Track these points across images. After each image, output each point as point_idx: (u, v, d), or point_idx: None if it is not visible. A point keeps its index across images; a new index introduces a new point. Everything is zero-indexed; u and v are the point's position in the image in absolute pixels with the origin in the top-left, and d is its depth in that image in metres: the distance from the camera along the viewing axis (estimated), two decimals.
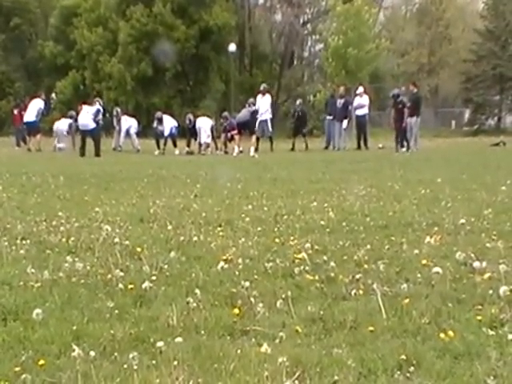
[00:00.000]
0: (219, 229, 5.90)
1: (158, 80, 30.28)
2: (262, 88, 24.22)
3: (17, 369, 2.65)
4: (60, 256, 4.74)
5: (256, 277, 4.11)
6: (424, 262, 4.39)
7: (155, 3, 44.31)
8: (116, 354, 2.84)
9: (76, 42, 46.72)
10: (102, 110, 21.90)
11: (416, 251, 4.77)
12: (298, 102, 27.63)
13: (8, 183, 10.03)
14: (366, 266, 4.38)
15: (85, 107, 21.50)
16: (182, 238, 5.38)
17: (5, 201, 7.87)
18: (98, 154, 20.09)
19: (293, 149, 24.83)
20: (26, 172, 11.99)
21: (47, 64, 49.14)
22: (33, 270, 4.21)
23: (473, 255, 4.52)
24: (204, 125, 23.30)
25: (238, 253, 4.73)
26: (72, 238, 5.34)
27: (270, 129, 23.82)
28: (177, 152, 23.22)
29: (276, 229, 5.87)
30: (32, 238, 5.46)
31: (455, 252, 4.58)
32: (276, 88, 51.22)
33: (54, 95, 48.20)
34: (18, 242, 5.27)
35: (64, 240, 5.31)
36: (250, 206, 7.27)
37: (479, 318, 3.29)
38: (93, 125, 20.53)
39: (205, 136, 23.13)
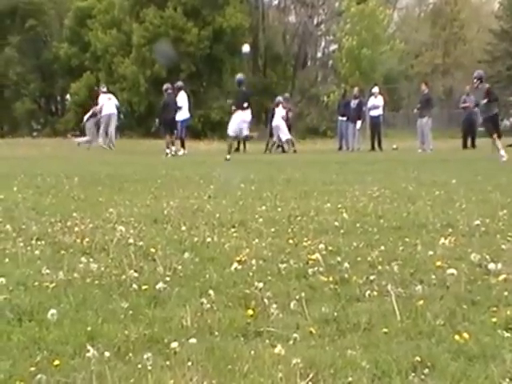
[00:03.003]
0: (233, 230, 5.90)
1: (171, 81, 30.44)
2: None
3: (32, 369, 2.66)
4: (74, 257, 4.76)
5: (270, 278, 4.11)
6: (438, 263, 4.37)
7: (167, 5, 44.46)
8: (130, 354, 2.84)
9: (90, 43, 46.96)
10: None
11: (430, 252, 4.75)
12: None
13: (23, 184, 10.08)
14: (379, 267, 4.36)
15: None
16: (195, 239, 5.39)
17: (20, 201, 7.91)
18: None
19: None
20: (41, 173, 12.04)
21: (62, 65, 49.41)
22: (48, 271, 4.23)
23: (488, 257, 4.49)
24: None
25: (251, 254, 4.73)
26: (86, 239, 5.36)
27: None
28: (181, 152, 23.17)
29: (290, 230, 5.86)
30: (47, 238, 5.49)
31: (470, 253, 4.56)
32: (290, 89, 51.25)
33: (68, 96, 48.44)
34: (33, 242, 5.30)
35: (78, 241, 5.33)
36: (263, 207, 7.27)
37: (494, 319, 3.27)
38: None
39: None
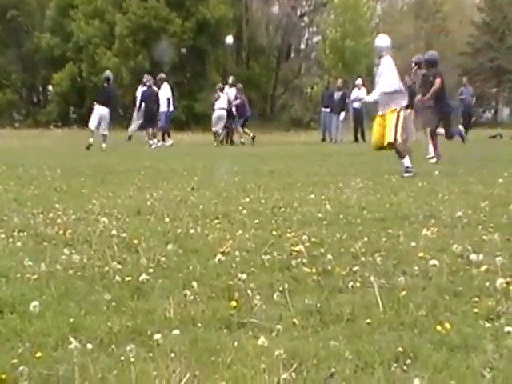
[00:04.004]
0: (216, 221, 5.90)
1: (154, 73, 30.35)
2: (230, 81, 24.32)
3: (14, 361, 2.65)
4: (57, 248, 4.74)
5: (253, 269, 4.11)
6: (421, 254, 4.39)
7: None
8: (113, 346, 2.84)
9: (73, 33, 46.55)
10: None
11: (413, 244, 4.77)
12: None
13: (5, 175, 10.02)
14: (363, 258, 4.38)
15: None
16: (179, 231, 5.39)
17: (1, 193, 7.87)
18: None
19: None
20: (22, 164, 11.96)
21: (44, 56, 48.99)
22: (30, 263, 4.20)
23: (470, 248, 4.51)
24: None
25: (235, 245, 4.73)
26: (69, 231, 5.34)
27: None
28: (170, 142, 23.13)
29: (273, 221, 5.87)
30: (29, 230, 5.47)
31: (452, 245, 4.58)
32: (273, 80, 51.21)
33: (50, 87, 48.11)
34: (15, 234, 5.27)
35: (61, 232, 5.31)
36: (247, 199, 7.27)
37: (476, 310, 3.29)
38: None
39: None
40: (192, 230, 5.39)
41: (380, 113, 10.54)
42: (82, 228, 5.49)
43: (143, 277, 3.84)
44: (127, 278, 3.86)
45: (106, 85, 20.94)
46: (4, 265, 4.23)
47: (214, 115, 23.73)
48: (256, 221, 5.87)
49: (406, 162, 10.34)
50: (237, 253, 4.50)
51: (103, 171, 11.02)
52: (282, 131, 34.78)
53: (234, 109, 23.92)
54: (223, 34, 41.81)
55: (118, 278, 3.88)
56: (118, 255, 4.46)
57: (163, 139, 23.60)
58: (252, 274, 4.00)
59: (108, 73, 21.62)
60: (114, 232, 5.23)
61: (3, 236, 5.20)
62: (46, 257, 4.40)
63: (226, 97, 23.89)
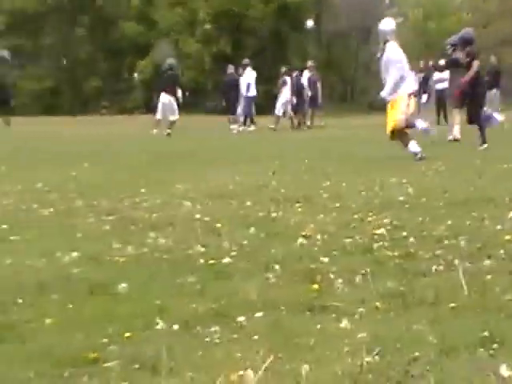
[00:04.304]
0: (297, 205, 5.89)
1: (236, 58, 30.52)
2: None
3: (104, 340, 2.72)
4: (143, 232, 4.83)
5: (335, 253, 4.09)
6: (507, 237, 4.29)
7: None
8: (198, 327, 2.87)
9: (156, 21, 47.23)
10: None
11: (499, 227, 4.66)
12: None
13: (92, 162, 10.25)
14: (446, 241, 4.30)
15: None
16: (260, 214, 5.40)
17: (90, 179, 8.06)
18: None
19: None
20: (108, 151, 12.21)
21: (129, 44, 49.89)
22: (118, 246, 4.31)
23: None
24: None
25: (316, 229, 4.72)
26: (154, 214, 5.43)
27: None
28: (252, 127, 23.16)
29: (354, 205, 5.82)
30: (116, 213, 5.58)
31: None
32: (354, 64, 50.71)
33: (136, 74, 48.90)
34: (104, 217, 5.40)
35: (147, 216, 5.41)
36: (327, 183, 7.23)
37: None
38: None
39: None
40: (273, 214, 5.40)
41: (389, 99, 10.22)
42: (167, 212, 5.57)
43: (226, 260, 3.88)
44: (211, 261, 3.90)
45: (170, 72, 20.89)
46: (94, 248, 4.33)
47: (282, 100, 23.59)
48: (337, 204, 5.84)
49: (413, 147, 9.90)
50: (318, 236, 4.49)
51: (187, 156, 11.15)
52: (363, 114, 34.36)
53: (307, 93, 23.75)
54: (304, 18, 41.69)
55: (201, 260, 3.93)
56: (202, 238, 4.51)
57: (244, 124, 23.69)
58: (334, 257, 3.98)
59: (171, 60, 21.61)
60: (197, 216, 5.29)
61: (93, 220, 5.33)
62: (132, 240, 4.49)
63: (290, 82, 23.73)
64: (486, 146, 11.68)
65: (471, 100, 12.47)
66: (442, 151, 11.34)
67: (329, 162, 9.59)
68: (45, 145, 15.25)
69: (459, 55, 13.18)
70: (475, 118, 12.15)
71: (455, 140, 13.29)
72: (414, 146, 9.90)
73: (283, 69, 24.97)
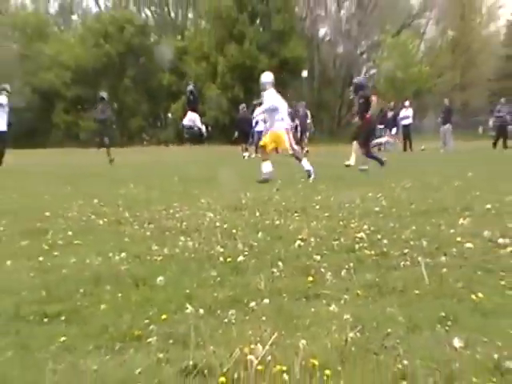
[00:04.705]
0: (296, 214, 5.88)
1: (247, 101, 30.82)
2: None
3: (146, 322, 2.73)
4: (175, 236, 4.83)
5: (325, 252, 4.08)
6: (458, 239, 4.27)
7: (244, 42, 44.69)
8: (219, 311, 2.87)
9: (186, 73, 47.54)
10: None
11: (452, 231, 4.64)
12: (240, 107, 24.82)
13: (137, 182, 10.29)
14: (411, 242, 4.28)
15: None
16: (267, 222, 5.40)
17: (135, 195, 8.08)
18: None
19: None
20: (149, 174, 12.25)
21: (164, 91, 50.25)
22: (156, 247, 4.31)
23: (498, 233, 4.36)
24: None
25: (310, 233, 4.71)
26: (184, 223, 5.43)
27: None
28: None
29: (340, 214, 5.81)
30: (155, 222, 5.59)
31: (483, 231, 4.43)
32: (339, 104, 50.82)
33: (169, 114, 49.16)
34: (145, 225, 5.41)
35: (178, 224, 5.41)
36: (319, 197, 7.22)
37: (503, 283, 3.19)
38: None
39: None
40: (277, 222, 5.40)
41: (271, 129, 10.56)
42: (194, 220, 5.57)
43: (240, 258, 3.88)
44: (228, 259, 3.90)
45: (191, 97, 20.75)
46: (138, 249, 4.34)
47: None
48: (326, 214, 5.83)
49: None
50: (312, 239, 4.48)
51: (208, 178, 11.15)
52: (346, 144, 34.35)
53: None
54: (300, 69, 41.84)
55: (221, 258, 3.93)
56: (221, 241, 4.51)
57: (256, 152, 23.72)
58: (324, 255, 3.97)
59: (190, 87, 21.35)
60: (217, 224, 5.28)
61: (136, 227, 5.33)
62: (167, 243, 4.50)
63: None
64: (384, 163, 11.74)
65: (365, 132, 12.17)
66: (407, 172, 11.31)
67: (320, 182, 9.58)
68: (99, 170, 15.31)
69: (356, 99, 13.39)
70: (362, 146, 12.06)
71: (348, 166, 13.05)
72: (267, 167, 10.30)
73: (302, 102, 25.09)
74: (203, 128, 20.47)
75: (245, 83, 44.68)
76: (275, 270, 3.56)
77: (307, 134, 23.98)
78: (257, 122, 23.57)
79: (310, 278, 3.39)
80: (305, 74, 38.48)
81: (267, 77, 10.96)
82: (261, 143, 10.53)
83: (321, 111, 40.71)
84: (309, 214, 5.96)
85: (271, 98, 10.60)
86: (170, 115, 49.64)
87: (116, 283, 3.41)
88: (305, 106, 24.60)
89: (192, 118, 20.39)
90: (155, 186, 9.64)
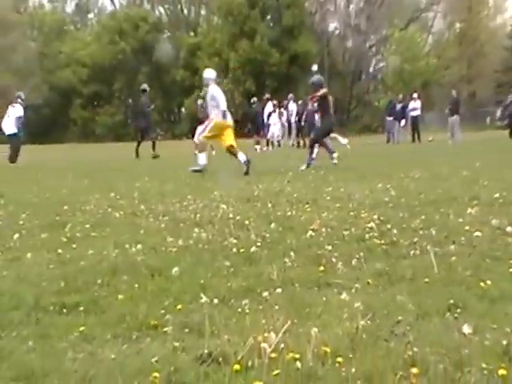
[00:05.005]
0: (307, 206, 5.87)
1: (258, 95, 30.71)
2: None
3: (162, 311, 2.73)
4: (189, 228, 4.83)
5: (336, 242, 4.06)
6: (467, 228, 4.24)
7: (256, 37, 44.58)
8: (232, 301, 2.87)
9: (199, 68, 47.57)
10: None
11: (460, 220, 4.61)
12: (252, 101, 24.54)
13: (151, 176, 10.32)
14: (421, 232, 4.26)
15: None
16: (279, 213, 5.38)
17: (150, 189, 8.10)
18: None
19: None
20: (162, 168, 12.27)
21: (178, 86, 50.31)
22: (171, 239, 4.32)
23: (505, 222, 4.32)
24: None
25: (321, 224, 4.69)
26: (198, 215, 5.44)
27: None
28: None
29: (350, 205, 5.78)
30: (169, 215, 5.60)
31: (491, 220, 4.40)
32: (348, 97, 50.58)
33: (183, 109, 49.25)
34: (160, 218, 5.42)
35: (192, 216, 5.41)
36: (329, 188, 7.19)
37: (511, 270, 3.15)
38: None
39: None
40: (289, 213, 5.38)
41: (215, 121, 10.56)
42: (207, 212, 5.57)
43: (253, 248, 3.88)
44: (241, 250, 3.89)
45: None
46: (153, 241, 4.35)
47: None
48: (337, 205, 5.81)
49: (202, 159, 10.56)
50: (323, 229, 4.47)
51: (220, 171, 11.15)
52: (355, 135, 34.14)
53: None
54: (310, 63, 41.61)
55: (234, 249, 3.93)
56: (234, 232, 4.50)
57: (267, 145, 23.71)
58: (335, 245, 3.95)
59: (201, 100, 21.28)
60: (230, 215, 5.28)
61: (152, 220, 5.35)
62: (181, 234, 4.50)
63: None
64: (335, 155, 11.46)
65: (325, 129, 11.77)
66: (416, 163, 11.23)
67: (330, 173, 9.55)
68: (115, 164, 15.38)
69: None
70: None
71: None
72: (202, 158, 10.61)
73: (290, 95, 24.94)
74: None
75: (256, 78, 44.67)
76: (287, 260, 3.56)
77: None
78: (269, 116, 23.53)
79: (322, 268, 3.37)
80: (315, 67, 38.10)
81: (210, 73, 11.10)
82: (205, 135, 10.62)
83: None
84: (320, 205, 5.94)
85: (218, 93, 10.69)
86: (183, 110, 49.72)
87: (132, 274, 3.42)
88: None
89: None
90: (169, 179, 9.66)
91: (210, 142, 11.27)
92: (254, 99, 24.01)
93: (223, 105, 10.46)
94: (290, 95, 25.34)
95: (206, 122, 10.78)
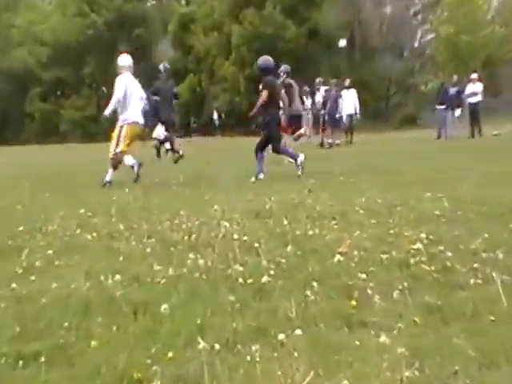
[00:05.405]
0: (333, 222, 5.87)
1: None
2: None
3: (148, 361, 2.74)
4: (183, 252, 4.84)
5: (372, 268, 4.07)
6: None
7: (266, 5, 44.69)
8: (239, 346, 2.88)
9: (193, 47, 47.77)
10: None
11: None
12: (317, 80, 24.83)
13: (133, 185, 10.36)
14: (483, 254, 4.25)
15: None
16: (297, 232, 5.39)
17: (131, 202, 8.13)
18: None
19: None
20: (145, 174, 12.31)
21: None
22: (158, 267, 4.34)
23: None
24: None
25: (353, 245, 4.70)
26: (193, 235, 5.45)
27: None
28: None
29: (390, 220, 5.78)
30: (156, 236, 5.62)
31: None
32: (387, 80, 50.53)
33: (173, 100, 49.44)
34: (145, 240, 5.44)
35: (186, 237, 5.42)
36: (362, 199, 7.19)
37: None
38: None
39: None
40: (310, 232, 5.39)
41: (126, 123, 11.20)
42: (205, 232, 5.59)
43: (265, 278, 3.88)
44: (249, 280, 3.90)
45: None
46: (136, 270, 4.36)
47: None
48: (373, 220, 5.81)
49: (109, 175, 10.93)
50: (355, 252, 4.47)
51: (216, 177, 11.18)
52: (396, 129, 34.21)
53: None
54: (336, 38, 41.72)
55: (240, 279, 3.94)
56: (240, 258, 4.51)
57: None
58: (371, 273, 3.96)
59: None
60: (235, 236, 5.29)
61: (134, 243, 5.37)
62: (173, 261, 4.52)
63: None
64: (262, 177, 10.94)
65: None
66: (477, 163, 11.21)
67: (363, 178, 9.55)
68: (85, 170, 15.44)
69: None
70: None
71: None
72: (110, 175, 10.97)
73: (319, 79, 24.88)
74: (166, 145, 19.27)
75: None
76: (309, 293, 3.56)
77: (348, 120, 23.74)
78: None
79: (354, 302, 3.38)
80: (342, 43, 38.40)
81: (125, 60, 11.55)
82: (122, 149, 11.03)
83: (363, 90, 40.45)
84: (350, 220, 5.94)
85: (122, 84, 11.18)
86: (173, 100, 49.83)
87: (110, 313, 3.44)
88: (337, 85, 24.28)
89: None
90: (155, 189, 9.69)
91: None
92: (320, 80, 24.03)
93: (117, 98, 11.08)
94: (318, 79, 25.21)
95: (117, 131, 11.20)
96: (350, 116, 23.53)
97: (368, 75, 48.41)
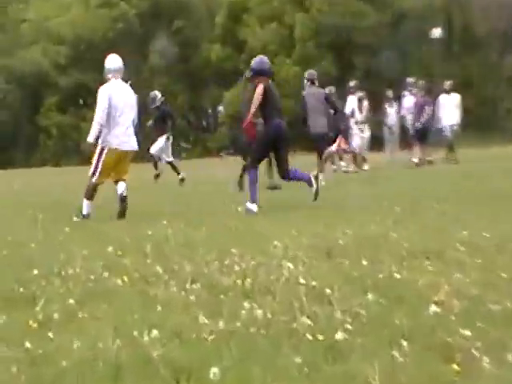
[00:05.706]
0: (427, 262, 5.82)
1: (343, 82, 30.32)
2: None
3: None
4: (235, 301, 4.86)
5: (478, 323, 4.01)
6: None
7: None
8: None
9: (246, 42, 47.89)
10: None
11: None
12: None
13: (173, 216, 10.43)
14: None
15: None
16: (380, 276, 5.37)
17: (170, 237, 8.17)
18: None
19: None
20: (188, 203, 12.42)
21: (213, 71, 50.70)
22: (206, 320, 4.35)
23: None
24: None
25: (453, 292, 4.65)
26: (248, 280, 5.46)
27: None
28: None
29: (500, 260, 5.71)
30: (203, 280, 5.64)
31: None
32: (496, 79, 49.88)
33: (221, 108, 49.65)
34: (188, 286, 5.47)
35: (239, 282, 5.44)
36: (464, 232, 7.12)
37: None
38: None
39: None
40: (396, 275, 5.36)
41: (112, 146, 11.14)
42: (263, 276, 5.59)
43: (339, 335, 3.87)
44: (320, 337, 3.89)
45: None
46: (177, 323, 4.38)
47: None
48: (478, 260, 5.75)
49: (86, 207, 11.25)
50: (455, 302, 4.43)
51: (279, 205, 11.20)
52: (509, 142, 33.73)
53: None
54: (428, 26, 41.48)
55: (308, 336, 3.93)
56: (308, 308, 4.51)
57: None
58: (477, 329, 3.91)
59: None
60: (301, 280, 5.29)
61: (175, 289, 5.40)
62: (223, 312, 4.53)
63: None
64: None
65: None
66: None
67: (464, 206, 9.45)
68: (112, 198, 15.64)
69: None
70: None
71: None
72: (87, 207, 11.30)
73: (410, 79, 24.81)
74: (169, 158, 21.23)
75: (338, 54, 44.69)
76: (396, 354, 3.54)
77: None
78: (352, 113, 23.53)
79: (455, 366, 3.34)
80: (437, 33, 38.12)
81: (112, 61, 11.39)
82: (97, 178, 11.24)
83: (465, 92, 40.04)
84: (448, 260, 5.89)
85: (105, 96, 11.07)
86: (221, 108, 50.12)
87: (145, 379, 3.47)
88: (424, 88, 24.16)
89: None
90: (200, 221, 9.75)
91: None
92: (331, 88, 24.07)
93: (99, 117, 11.02)
94: (410, 79, 25.11)
95: (96, 153, 11.23)
96: (452, 126, 23.33)
97: (471, 73, 47.95)
